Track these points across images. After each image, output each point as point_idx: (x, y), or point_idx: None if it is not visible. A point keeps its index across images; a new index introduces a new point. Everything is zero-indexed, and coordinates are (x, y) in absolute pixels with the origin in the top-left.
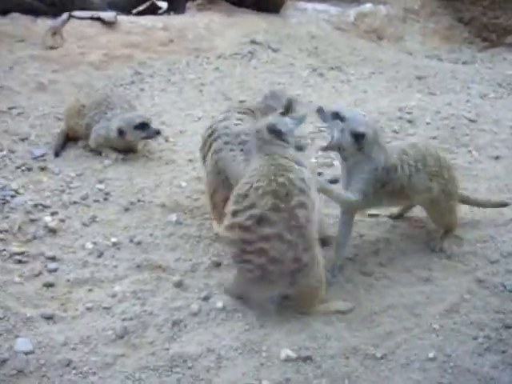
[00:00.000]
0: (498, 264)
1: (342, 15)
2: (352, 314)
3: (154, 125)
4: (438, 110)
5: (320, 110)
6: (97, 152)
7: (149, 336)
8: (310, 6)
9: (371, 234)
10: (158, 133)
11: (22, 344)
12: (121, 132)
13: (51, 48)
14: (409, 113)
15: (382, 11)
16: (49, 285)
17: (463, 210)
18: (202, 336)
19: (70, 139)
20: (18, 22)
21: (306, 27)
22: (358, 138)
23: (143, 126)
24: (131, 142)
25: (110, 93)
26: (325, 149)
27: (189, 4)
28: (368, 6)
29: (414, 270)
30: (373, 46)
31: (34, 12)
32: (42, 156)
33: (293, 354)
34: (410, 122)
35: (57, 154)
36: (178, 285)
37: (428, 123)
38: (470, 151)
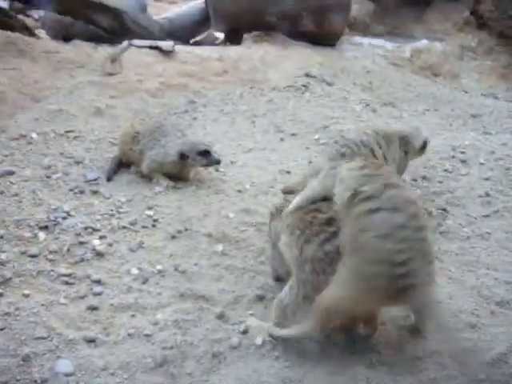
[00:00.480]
0: None
1: (397, 51)
2: (395, 357)
3: None
4: (492, 150)
5: None
6: (148, 178)
7: (188, 366)
8: (365, 40)
9: None
10: (218, 162)
11: (63, 365)
12: (182, 156)
13: (110, 74)
14: (462, 152)
15: (438, 48)
16: (93, 308)
17: None
18: (241, 370)
19: (122, 165)
20: (79, 49)
21: (361, 62)
22: None
23: (206, 154)
24: (187, 168)
25: (163, 121)
26: None
27: (245, 35)
28: (424, 42)
29: (461, 315)
30: (428, 82)
31: (96, 39)
32: (95, 180)
33: None
34: (463, 161)
35: (109, 179)
36: (220, 316)
37: (482, 163)
38: None
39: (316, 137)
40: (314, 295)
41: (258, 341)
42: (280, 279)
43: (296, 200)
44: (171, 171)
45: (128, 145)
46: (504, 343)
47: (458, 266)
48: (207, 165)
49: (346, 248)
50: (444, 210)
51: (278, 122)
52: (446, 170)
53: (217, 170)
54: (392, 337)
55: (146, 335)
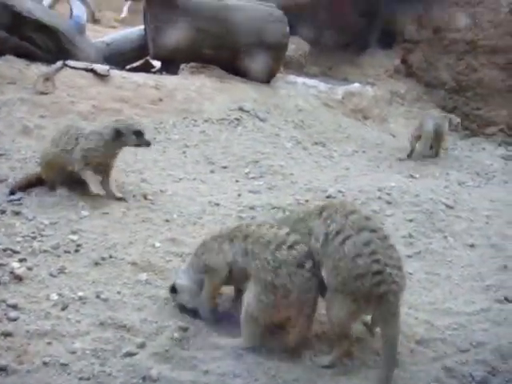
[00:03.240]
0: (467, 353)
1: (330, 92)
2: None
3: (135, 182)
4: (416, 194)
5: None
6: (74, 202)
7: None
8: (300, 80)
9: None
10: (148, 144)
11: None
12: (118, 133)
13: (42, 93)
14: (388, 193)
15: (369, 92)
16: (7, 334)
17: (436, 296)
18: None
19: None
20: (12, 65)
21: (294, 100)
22: None
23: (139, 134)
24: (115, 157)
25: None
26: None
27: (182, 66)
28: (356, 85)
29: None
30: (358, 124)
31: (30, 57)
32: (18, 200)
33: None
34: (388, 202)
35: (12, 192)
36: (141, 346)
37: (406, 205)
38: (445, 237)
39: (246, 170)
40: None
41: None
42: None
43: None
44: (101, 160)
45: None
46: (423, 381)
47: None
48: (139, 145)
49: (331, 280)
50: None
51: (210, 154)
52: (373, 210)
53: (145, 198)
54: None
55: (62, 364)
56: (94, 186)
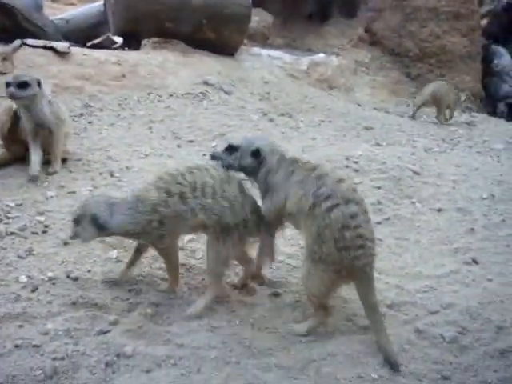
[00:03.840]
0: (437, 315)
1: (295, 63)
2: (291, 361)
3: (101, 160)
4: (383, 161)
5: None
6: (40, 183)
7: (80, 378)
8: (264, 51)
9: None
10: (11, 96)
11: None
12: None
13: (0, 73)
14: (355, 162)
15: (334, 62)
16: None
17: (406, 261)
18: (136, 379)
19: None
20: None
21: (259, 72)
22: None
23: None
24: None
25: None
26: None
27: (144, 41)
28: (321, 55)
29: (354, 319)
30: (323, 94)
31: None
32: None
33: None
34: (356, 171)
35: None
36: (114, 323)
37: (374, 173)
38: (413, 203)
39: (213, 144)
40: None
41: None
42: None
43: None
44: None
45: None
46: (395, 344)
47: None
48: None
49: (311, 243)
50: None
51: (176, 129)
52: (339, 179)
53: (112, 176)
54: (288, 341)
55: (35, 346)
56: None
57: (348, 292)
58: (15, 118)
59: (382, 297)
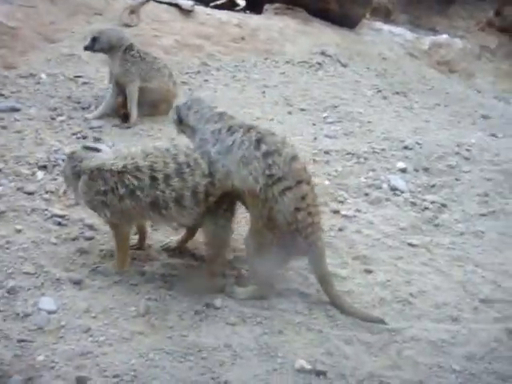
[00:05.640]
0: None
1: (416, 42)
2: (373, 337)
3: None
4: (497, 152)
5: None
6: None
7: (169, 320)
8: (385, 27)
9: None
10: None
11: (47, 303)
12: None
13: (126, 26)
14: (467, 150)
15: (457, 44)
16: (82, 251)
17: (507, 257)
18: (221, 330)
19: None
20: None
21: (378, 47)
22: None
23: None
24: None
25: None
26: None
27: (267, 6)
28: (444, 36)
29: (444, 307)
30: (442, 77)
31: None
32: (99, 127)
33: (307, 366)
34: (466, 159)
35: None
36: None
37: (485, 164)
38: None
39: (324, 115)
40: None
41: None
42: None
43: None
44: None
45: None
46: (482, 340)
47: (448, 259)
48: None
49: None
50: (441, 204)
51: (288, 96)
52: (448, 165)
53: None
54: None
55: (132, 284)
56: None
57: (441, 279)
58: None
59: (477, 290)
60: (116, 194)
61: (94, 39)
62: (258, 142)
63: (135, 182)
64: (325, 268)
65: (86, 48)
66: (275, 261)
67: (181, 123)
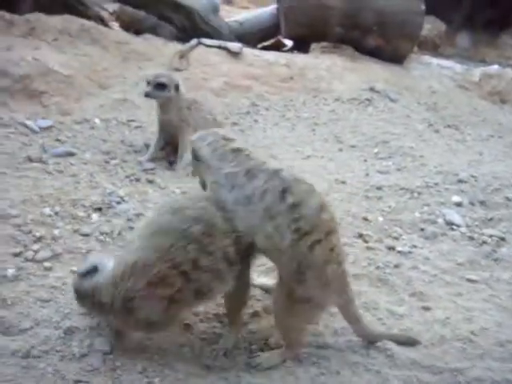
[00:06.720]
0: None
1: (466, 74)
2: (435, 378)
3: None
4: None
5: None
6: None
7: (223, 361)
8: (434, 60)
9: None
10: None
11: (103, 343)
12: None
13: (177, 70)
14: None
15: (508, 74)
16: None
17: None
18: (275, 371)
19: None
20: (149, 42)
21: (427, 81)
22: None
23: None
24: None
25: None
26: None
27: (313, 45)
28: (495, 67)
29: (508, 345)
30: (494, 108)
31: (166, 35)
32: (152, 169)
33: None
34: None
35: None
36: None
37: None
38: None
39: (375, 151)
40: None
41: None
42: None
43: None
44: None
45: None
46: None
47: (510, 295)
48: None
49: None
50: (500, 238)
51: (338, 133)
52: (505, 198)
53: None
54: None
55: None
56: None
57: (503, 315)
58: None
59: None
60: None
61: (163, 85)
62: (284, 192)
63: None
64: (356, 311)
65: (148, 95)
66: (306, 316)
67: (197, 159)
